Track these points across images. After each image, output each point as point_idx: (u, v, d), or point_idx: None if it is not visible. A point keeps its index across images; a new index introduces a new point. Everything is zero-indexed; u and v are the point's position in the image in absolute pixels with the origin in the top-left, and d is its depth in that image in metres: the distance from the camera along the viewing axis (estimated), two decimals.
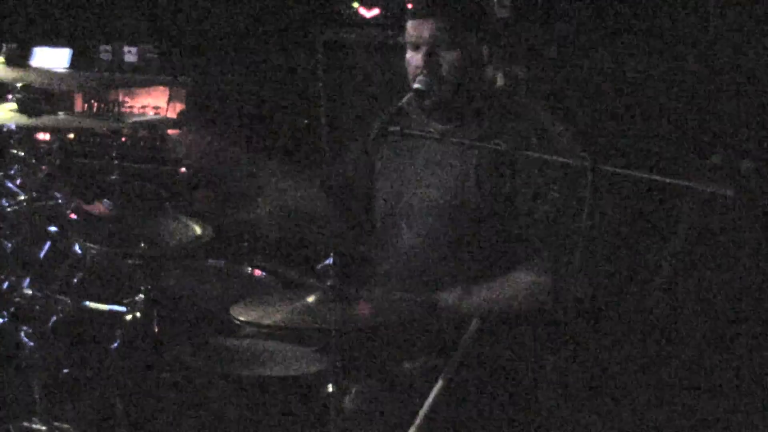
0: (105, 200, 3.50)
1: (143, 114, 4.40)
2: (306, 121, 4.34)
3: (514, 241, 2.71)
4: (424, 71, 2.72)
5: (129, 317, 2.90)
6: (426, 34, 2.72)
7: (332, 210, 3.02)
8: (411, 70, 2.77)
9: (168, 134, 4.40)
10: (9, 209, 3.15)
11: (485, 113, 2.79)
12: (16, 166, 3.29)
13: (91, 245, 3.06)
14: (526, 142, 2.61)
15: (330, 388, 2.49)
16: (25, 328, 3.00)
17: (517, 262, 2.71)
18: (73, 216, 3.19)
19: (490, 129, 2.74)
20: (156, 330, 2.90)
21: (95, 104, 4.50)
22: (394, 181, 2.94)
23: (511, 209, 2.71)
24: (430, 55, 2.72)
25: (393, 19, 3.97)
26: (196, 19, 4.70)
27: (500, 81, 2.84)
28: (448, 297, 2.71)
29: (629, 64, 3.67)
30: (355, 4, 4.09)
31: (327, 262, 2.47)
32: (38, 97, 3.18)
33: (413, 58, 2.76)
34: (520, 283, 2.69)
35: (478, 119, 2.78)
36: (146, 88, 4.45)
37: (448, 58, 2.71)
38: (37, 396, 2.96)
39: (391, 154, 2.96)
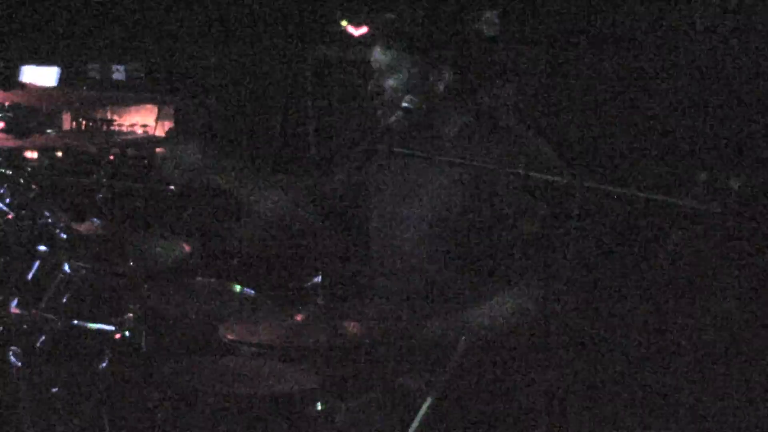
0: (94, 219, 3.50)
1: (132, 132, 4.41)
2: (295, 137, 4.35)
3: (501, 258, 2.72)
4: (378, 95, 2.78)
5: (118, 336, 2.90)
6: (371, 60, 2.79)
7: (321, 225, 3.03)
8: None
9: (156, 152, 4.41)
10: None
11: (472, 132, 2.80)
12: (4, 185, 3.28)
13: (80, 264, 3.05)
14: (513, 160, 2.62)
15: (319, 406, 2.49)
16: (13, 347, 2.99)
17: (505, 279, 2.72)
18: (62, 235, 3.18)
19: (477, 148, 2.75)
20: (145, 349, 2.89)
21: (84, 122, 4.51)
22: (384, 199, 2.95)
23: (498, 227, 2.72)
24: (377, 81, 2.78)
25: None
26: (186, 37, 4.71)
27: (486, 101, 2.86)
28: (433, 326, 2.72)
29: (616, 82, 3.69)
30: (344, 23, 4.11)
31: (315, 280, 2.47)
32: (27, 117, 3.18)
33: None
34: (505, 305, 2.70)
35: (466, 138, 2.80)
36: (135, 107, 4.46)
37: (391, 82, 2.76)
38: (25, 415, 2.94)
39: (381, 173, 2.98)
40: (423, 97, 2.74)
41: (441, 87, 2.77)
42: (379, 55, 2.80)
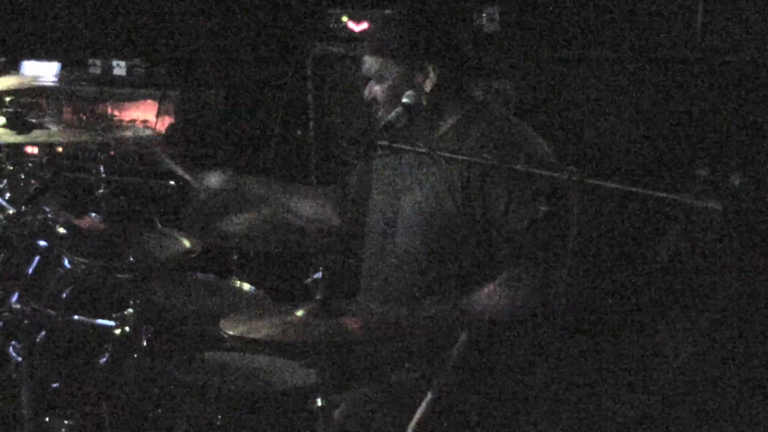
0: (94, 214, 3.50)
1: (132, 127, 4.40)
2: (296, 134, 4.35)
3: (500, 254, 2.73)
4: (373, 100, 2.89)
5: (118, 331, 2.90)
6: (363, 69, 2.90)
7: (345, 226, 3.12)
8: None
9: (157, 148, 4.40)
10: None
11: (470, 128, 2.82)
12: (4, 181, 3.29)
13: (80, 259, 3.06)
14: (512, 155, 2.63)
15: (319, 401, 2.49)
16: (13, 342, 3.00)
17: (499, 271, 2.73)
18: (62, 230, 3.19)
19: (476, 143, 2.76)
20: (144, 344, 2.90)
21: (84, 118, 4.50)
22: (384, 194, 2.97)
23: (497, 222, 2.73)
24: (371, 88, 2.89)
25: None
26: (186, 33, 4.71)
27: (479, 96, 2.92)
28: (428, 311, 2.73)
29: (615, 77, 3.69)
30: (344, 19, 4.11)
31: (316, 276, 2.47)
32: (27, 113, 3.18)
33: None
34: (501, 294, 2.71)
35: (464, 134, 2.81)
36: (135, 102, 4.45)
37: (380, 88, 2.87)
38: (25, 411, 2.95)
39: (382, 168, 3.00)
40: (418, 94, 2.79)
41: (429, 86, 2.81)
42: (368, 63, 2.87)
